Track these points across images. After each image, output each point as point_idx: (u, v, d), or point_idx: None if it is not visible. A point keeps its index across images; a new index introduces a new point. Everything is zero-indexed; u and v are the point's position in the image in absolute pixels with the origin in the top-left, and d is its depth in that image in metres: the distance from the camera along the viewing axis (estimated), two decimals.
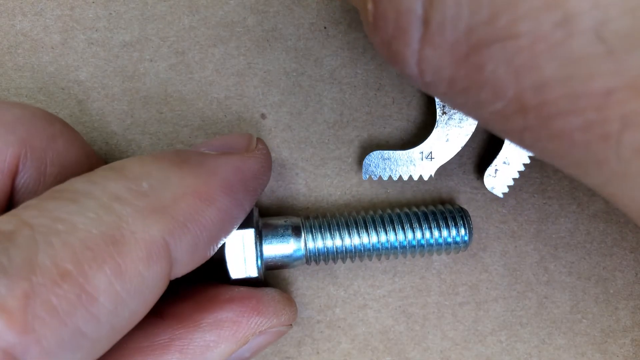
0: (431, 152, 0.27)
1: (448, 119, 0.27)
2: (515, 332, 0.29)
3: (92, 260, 0.16)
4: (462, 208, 0.27)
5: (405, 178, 0.27)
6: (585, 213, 0.29)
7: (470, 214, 0.28)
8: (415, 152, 0.27)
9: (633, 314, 0.29)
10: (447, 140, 0.27)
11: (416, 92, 0.28)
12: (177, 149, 0.22)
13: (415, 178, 0.27)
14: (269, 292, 0.25)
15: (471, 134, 0.27)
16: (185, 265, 0.19)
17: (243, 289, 0.24)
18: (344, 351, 0.28)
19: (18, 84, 0.27)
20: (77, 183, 0.18)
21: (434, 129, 0.27)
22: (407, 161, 0.27)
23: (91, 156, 0.23)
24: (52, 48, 0.27)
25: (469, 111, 0.17)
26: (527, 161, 0.27)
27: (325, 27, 0.28)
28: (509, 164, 0.27)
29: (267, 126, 0.28)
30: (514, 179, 0.27)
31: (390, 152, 0.27)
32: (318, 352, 0.28)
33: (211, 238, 0.20)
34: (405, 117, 0.28)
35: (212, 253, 0.21)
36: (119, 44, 0.27)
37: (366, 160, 0.27)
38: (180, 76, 0.27)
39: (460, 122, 0.26)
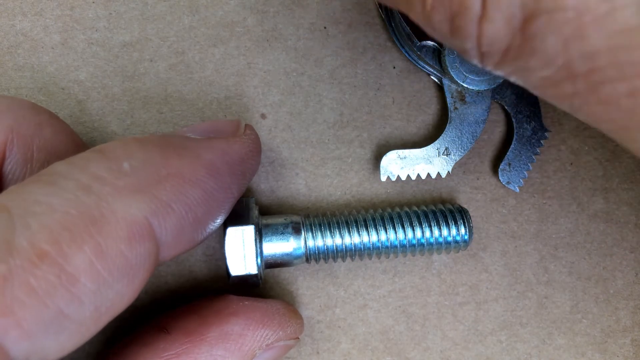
0: (447, 148, 0.27)
1: (460, 114, 0.27)
2: (515, 332, 0.29)
3: (71, 240, 0.16)
4: (462, 207, 0.27)
5: (424, 177, 0.27)
6: (585, 213, 0.29)
7: (470, 214, 0.28)
8: (431, 149, 0.27)
9: (633, 314, 0.29)
10: (461, 135, 0.27)
11: (416, 92, 0.28)
12: (162, 133, 0.22)
13: (434, 176, 0.27)
14: (273, 305, 0.25)
15: (483, 127, 0.27)
16: (171, 248, 0.19)
17: (248, 302, 0.24)
18: (344, 351, 0.28)
19: (18, 84, 0.27)
20: (58, 166, 0.18)
21: (447, 125, 0.27)
22: (424, 159, 0.27)
23: (80, 146, 0.23)
24: (52, 48, 0.27)
25: (518, 77, 0.18)
26: (538, 153, 0.28)
27: (325, 27, 0.28)
28: (522, 157, 0.28)
29: (267, 126, 0.28)
30: (528, 172, 0.28)
31: (407, 150, 0.27)
32: (318, 352, 0.28)
33: (197, 220, 0.20)
34: (405, 117, 0.28)
35: (201, 238, 0.20)
36: (119, 44, 0.27)
37: (384, 161, 0.27)
38: (180, 76, 0.28)
39: (473, 117, 0.27)
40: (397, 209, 0.26)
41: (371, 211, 0.26)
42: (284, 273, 0.28)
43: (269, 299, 0.25)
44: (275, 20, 0.28)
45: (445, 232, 0.26)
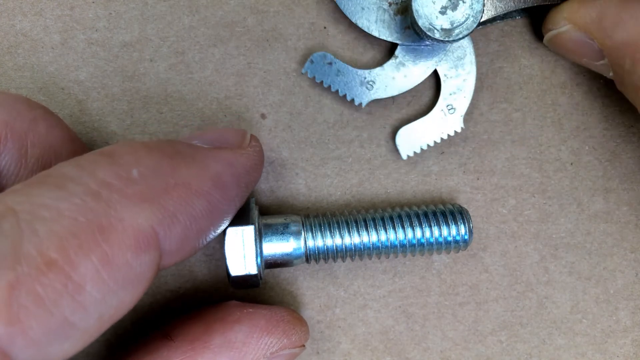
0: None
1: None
2: (515, 332, 0.29)
3: (79, 248, 0.15)
4: (462, 207, 0.27)
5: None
6: (585, 213, 0.29)
7: (470, 214, 0.28)
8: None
9: (633, 314, 0.29)
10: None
11: (416, 92, 0.28)
12: (170, 140, 0.22)
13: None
14: (278, 312, 0.24)
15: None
16: (173, 256, 0.19)
17: (252, 309, 0.24)
18: (344, 351, 0.28)
19: (18, 84, 0.27)
20: (65, 168, 0.17)
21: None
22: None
23: (75, 140, 0.23)
24: (52, 48, 0.27)
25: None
26: (445, 137, 0.28)
27: (325, 27, 0.28)
28: (424, 134, 0.28)
29: (267, 126, 0.28)
30: (422, 151, 0.28)
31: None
32: (318, 352, 0.28)
33: (200, 231, 0.20)
34: (405, 117, 0.28)
35: (201, 246, 0.21)
36: (119, 44, 0.27)
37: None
38: (180, 76, 0.28)
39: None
40: (397, 209, 0.26)
41: (371, 211, 0.26)
42: (284, 273, 0.28)
43: (273, 306, 0.25)
44: (275, 20, 0.28)
45: (445, 232, 0.26)
